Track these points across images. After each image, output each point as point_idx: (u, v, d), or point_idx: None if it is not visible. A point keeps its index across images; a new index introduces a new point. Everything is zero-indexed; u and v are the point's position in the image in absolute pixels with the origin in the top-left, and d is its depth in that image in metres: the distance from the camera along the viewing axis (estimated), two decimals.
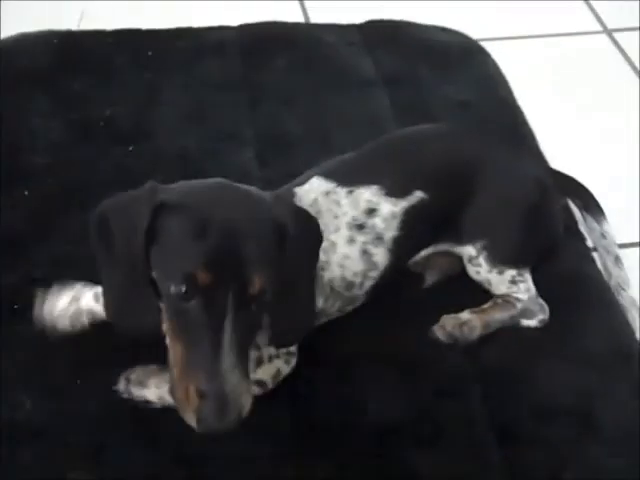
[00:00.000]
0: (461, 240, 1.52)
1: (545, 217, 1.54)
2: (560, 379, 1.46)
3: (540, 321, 1.53)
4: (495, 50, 2.16)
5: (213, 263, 1.12)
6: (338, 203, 1.43)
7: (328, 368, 1.45)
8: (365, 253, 1.44)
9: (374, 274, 1.46)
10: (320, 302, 1.40)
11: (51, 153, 1.77)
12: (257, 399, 1.25)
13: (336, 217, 1.42)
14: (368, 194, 1.44)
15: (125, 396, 1.36)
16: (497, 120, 1.93)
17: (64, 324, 1.42)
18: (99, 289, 1.39)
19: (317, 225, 1.28)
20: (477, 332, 1.50)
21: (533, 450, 1.37)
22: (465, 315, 1.51)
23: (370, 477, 1.33)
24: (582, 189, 1.66)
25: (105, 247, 1.21)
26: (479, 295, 1.54)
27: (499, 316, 1.52)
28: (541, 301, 1.54)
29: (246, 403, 1.15)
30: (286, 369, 1.39)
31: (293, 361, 1.40)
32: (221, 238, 1.13)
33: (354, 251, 1.43)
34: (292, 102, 1.96)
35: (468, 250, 1.52)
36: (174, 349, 1.18)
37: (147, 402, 1.35)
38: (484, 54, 2.15)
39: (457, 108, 1.95)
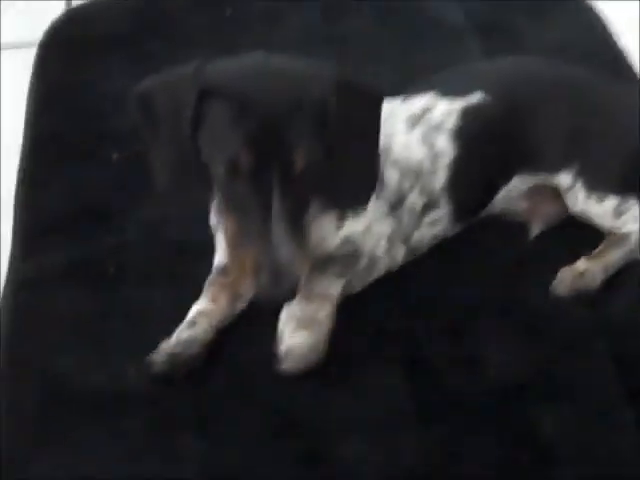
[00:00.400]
0: (555, 168, 1.45)
1: None
2: None
3: None
4: None
5: (254, 145, 1.16)
6: (392, 108, 1.43)
7: (443, 325, 1.37)
8: (426, 140, 1.44)
9: (442, 163, 1.42)
10: (395, 178, 1.40)
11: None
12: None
13: (392, 116, 1.42)
14: (424, 98, 1.46)
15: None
16: (598, 62, 1.81)
17: None
18: None
19: (374, 97, 1.27)
20: (599, 279, 1.41)
21: None
22: (582, 264, 1.42)
23: (491, 438, 1.24)
24: None
25: (151, 125, 1.24)
26: (592, 238, 1.45)
27: (616, 255, 1.43)
28: None
29: (302, 272, 1.19)
30: (378, 226, 1.38)
31: (385, 223, 1.39)
32: (261, 120, 1.15)
33: (413, 138, 1.43)
34: (378, 55, 1.87)
35: (563, 179, 1.45)
36: (227, 226, 1.23)
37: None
38: None
39: (555, 53, 1.85)
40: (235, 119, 1.16)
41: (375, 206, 1.38)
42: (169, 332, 1.32)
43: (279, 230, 1.16)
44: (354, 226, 1.37)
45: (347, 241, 1.38)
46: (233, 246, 1.23)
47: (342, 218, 1.37)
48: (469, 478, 1.20)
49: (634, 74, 1.84)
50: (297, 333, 1.28)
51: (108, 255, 1.46)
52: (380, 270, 1.40)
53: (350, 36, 1.92)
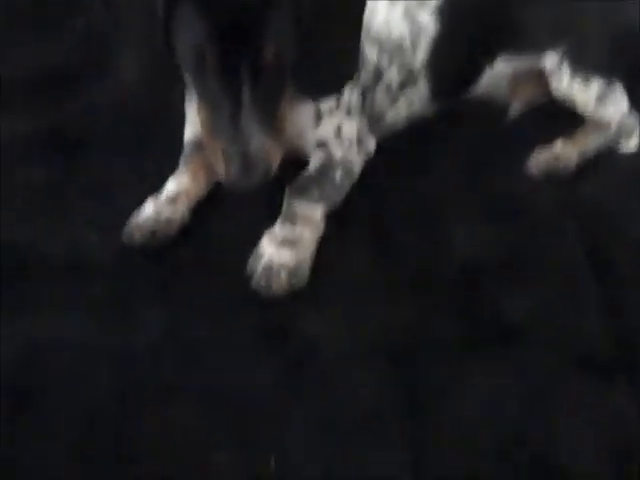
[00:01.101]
0: (541, 48, 1.43)
1: (636, 22, 1.41)
2: None
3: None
4: None
5: (219, 37, 1.13)
6: None
7: (413, 206, 1.35)
8: (408, 14, 1.40)
9: (424, 39, 1.40)
10: (373, 55, 1.37)
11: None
12: (337, 230, 1.24)
13: None
14: None
15: None
16: None
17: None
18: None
19: None
20: (574, 162, 1.40)
21: (635, 286, 1.27)
22: (559, 146, 1.41)
23: (456, 318, 1.23)
24: None
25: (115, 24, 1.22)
26: (570, 123, 1.43)
27: (594, 141, 1.42)
28: (635, 117, 1.43)
29: (274, 159, 1.19)
30: (349, 127, 1.34)
31: (356, 117, 1.36)
32: (228, 13, 1.12)
33: (396, 12, 1.41)
34: None
35: (549, 59, 1.43)
36: (200, 114, 1.21)
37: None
38: None
39: None
40: (201, 14, 1.13)
41: (348, 96, 1.35)
42: (133, 202, 1.30)
43: (249, 121, 1.15)
44: (326, 128, 1.34)
45: (322, 144, 1.35)
46: (206, 132, 1.21)
47: (318, 114, 1.33)
48: (433, 354, 1.19)
49: None
50: (280, 252, 1.25)
51: (72, 122, 1.43)
52: (356, 174, 1.37)
53: None
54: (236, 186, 1.19)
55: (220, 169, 1.19)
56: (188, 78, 1.21)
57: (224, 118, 1.16)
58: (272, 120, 1.18)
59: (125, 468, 1.08)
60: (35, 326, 1.19)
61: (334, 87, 1.27)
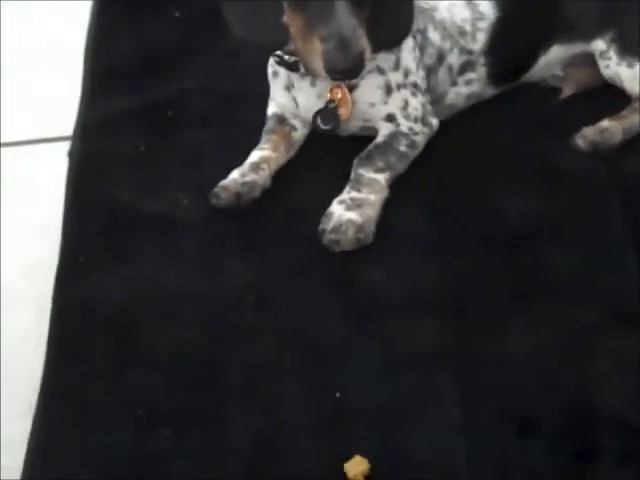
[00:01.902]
0: (591, 35, 1.56)
1: None
2: None
3: None
4: None
5: None
6: None
7: (468, 175, 1.50)
8: (470, 3, 1.55)
9: (483, 25, 1.54)
10: (437, 38, 1.52)
11: None
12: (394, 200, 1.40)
13: None
14: None
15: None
16: None
17: None
18: None
19: None
20: (619, 137, 1.52)
21: None
22: (605, 122, 1.53)
23: (504, 270, 1.38)
24: None
25: None
26: (619, 106, 1.55)
27: (639, 119, 1.53)
28: None
29: (366, 47, 1.33)
30: (415, 103, 1.49)
31: (421, 97, 1.50)
32: None
33: (458, 1, 1.55)
34: None
35: (598, 45, 1.56)
36: (294, 23, 1.35)
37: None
38: None
39: None
40: None
41: (415, 76, 1.49)
42: (219, 170, 1.48)
43: (343, 8, 1.30)
44: (395, 103, 1.48)
45: (390, 117, 1.49)
46: (302, 34, 1.35)
47: (388, 88, 1.48)
48: (482, 303, 1.34)
49: None
50: (347, 212, 1.40)
51: (168, 101, 1.62)
52: (420, 147, 1.51)
53: None
54: (335, 65, 1.32)
55: (318, 63, 1.33)
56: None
57: (320, 6, 1.31)
58: (361, 14, 1.33)
59: (212, 394, 1.25)
60: (137, 273, 1.38)
61: (398, 38, 1.44)
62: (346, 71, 1.34)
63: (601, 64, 1.57)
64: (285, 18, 1.36)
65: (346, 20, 1.30)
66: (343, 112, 1.45)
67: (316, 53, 1.33)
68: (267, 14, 1.36)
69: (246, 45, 1.47)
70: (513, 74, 1.62)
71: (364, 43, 1.32)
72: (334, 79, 1.38)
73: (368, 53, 1.34)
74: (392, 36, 1.43)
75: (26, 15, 1.92)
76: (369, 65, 1.41)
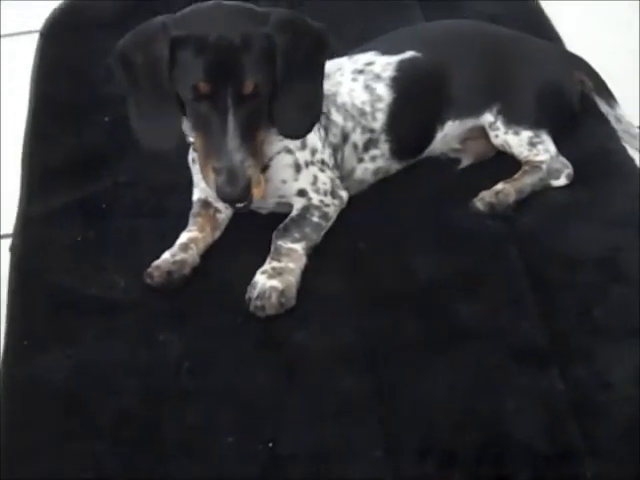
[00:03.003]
0: (480, 110, 1.74)
1: (557, 83, 1.75)
2: (589, 236, 1.63)
3: (567, 176, 1.71)
4: None
5: (209, 75, 1.45)
6: (340, 63, 1.75)
7: (380, 240, 1.64)
8: (368, 87, 1.71)
9: (381, 105, 1.70)
10: (340, 119, 1.68)
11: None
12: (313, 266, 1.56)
13: (339, 69, 1.72)
14: (366, 55, 1.76)
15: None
16: (525, 26, 2.07)
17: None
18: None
19: (317, 31, 1.55)
20: (512, 198, 1.68)
21: (564, 293, 1.54)
22: (499, 185, 1.69)
23: (417, 323, 1.51)
24: (594, 73, 1.82)
25: (130, 78, 1.52)
26: (512, 170, 1.72)
27: (529, 180, 1.70)
28: (562, 159, 1.72)
29: (254, 175, 1.49)
30: (323, 178, 1.63)
31: (329, 172, 1.64)
32: (216, 55, 1.44)
33: (358, 85, 1.72)
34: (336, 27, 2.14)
35: (487, 118, 1.74)
36: (197, 142, 1.52)
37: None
38: None
39: (488, 20, 2.11)
40: (196, 56, 1.45)
41: (320, 154, 1.64)
42: (153, 255, 1.60)
43: (233, 140, 1.46)
44: (304, 179, 1.63)
45: (301, 192, 1.63)
46: (203, 157, 1.51)
47: (297, 166, 1.62)
48: (399, 353, 1.47)
49: (556, 34, 2.11)
50: (270, 280, 1.53)
51: (102, 195, 1.75)
52: (332, 218, 1.65)
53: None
54: (224, 195, 1.48)
55: (212, 188, 1.50)
56: (187, 110, 1.49)
57: (214, 140, 1.47)
58: (252, 142, 1.48)
59: (152, 453, 1.35)
60: (80, 352, 1.49)
61: (304, 128, 1.57)
62: (234, 200, 1.51)
63: (491, 134, 1.75)
64: (190, 131, 1.55)
65: (236, 156, 1.46)
66: (256, 192, 1.55)
67: (210, 180, 1.50)
68: (165, 120, 1.52)
69: (145, 148, 1.59)
70: (414, 149, 1.78)
71: (252, 172, 1.48)
72: (225, 203, 1.58)
73: (256, 178, 1.49)
74: (299, 127, 1.57)
75: None
76: (277, 146, 1.59)
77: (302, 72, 1.52)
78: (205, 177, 1.52)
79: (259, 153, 1.52)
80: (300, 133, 1.59)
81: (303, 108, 1.56)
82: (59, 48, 2.15)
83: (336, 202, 1.65)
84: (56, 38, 2.18)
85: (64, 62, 2.10)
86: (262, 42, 1.47)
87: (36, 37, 2.21)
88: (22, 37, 2.27)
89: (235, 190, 1.47)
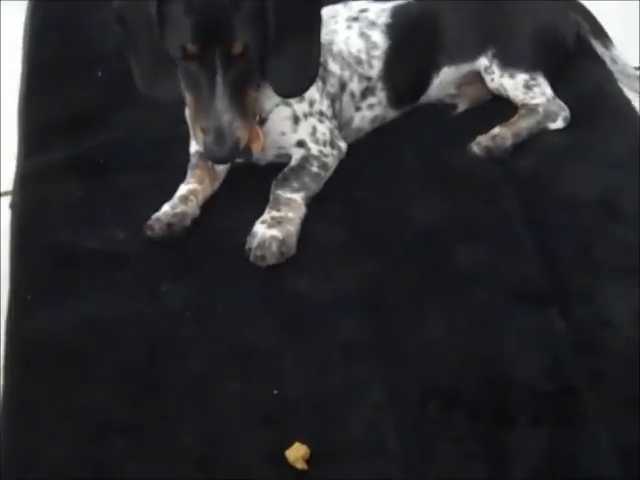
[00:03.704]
0: (475, 55, 1.74)
1: (552, 25, 1.75)
2: (587, 178, 1.64)
3: (564, 119, 1.72)
4: None
5: (197, 35, 1.44)
6: (335, 10, 1.74)
7: (376, 187, 1.65)
8: (363, 34, 1.71)
9: (377, 53, 1.70)
10: (337, 69, 1.67)
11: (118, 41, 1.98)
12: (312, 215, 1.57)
13: (334, 17, 1.71)
14: (360, 2, 1.78)
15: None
16: None
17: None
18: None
19: None
20: (509, 141, 1.68)
21: (563, 234, 1.55)
22: (496, 129, 1.69)
23: (415, 267, 1.52)
24: (589, 14, 1.82)
25: (129, 37, 1.54)
26: (509, 114, 1.73)
27: (526, 123, 1.70)
28: (559, 101, 1.72)
29: (242, 136, 1.49)
30: (322, 128, 1.63)
31: (327, 123, 1.64)
32: (204, 13, 1.43)
33: (353, 33, 1.71)
34: None
35: (482, 62, 1.74)
36: (188, 101, 1.52)
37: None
38: None
39: None
40: (184, 16, 1.44)
41: (319, 104, 1.64)
42: (152, 208, 1.60)
43: (221, 101, 1.45)
44: (303, 130, 1.62)
45: (300, 143, 1.63)
46: (193, 116, 1.51)
47: (295, 118, 1.62)
48: (400, 296, 1.48)
49: None
50: (269, 230, 1.53)
51: (99, 150, 1.74)
52: (331, 168, 1.66)
53: None
54: (211, 155, 1.49)
55: (200, 143, 1.49)
56: (178, 69, 1.48)
57: (203, 100, 1.46)
58: (241, 103, 1.47)
59: (157, 402, 1.36)
60: (82, 304, 1.49)
61: (300, 88, 1.56)
62: (221, 160, 1.53)
63: (487, 78, 1.75)
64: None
65: (224, 116, 1.45)
66: (255, 146, 1.58)
67: (199, 138, 1.50)
68: (165, 72, 1.51)
69: (149, 100, 1.60)
70: (411, 96, 1.78)
71: (240, 133, 1.47)
72: (213, 163, 1.59)
73: (244, 139, 1.49)
74: (295, 87, 1.57)
75: None
76: (275, 99, 1.59)
77: (296, 31, 1.50)
78: (195, 135, 1.53)
79: (249, 113, 1.51)
80: (296, 92, 1.58)
81: (298, 68, 1.55)
82: (51, 3, 2.12)
83: (335, 152, 1.65)
84: None
85: (57, 17, 2.08)
86: (253, 1, 1.45)
87: None
88: None
89: (223, 150, 1.47)
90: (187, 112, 1.63)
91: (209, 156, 1.51)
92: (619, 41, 1.85)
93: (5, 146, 1.85)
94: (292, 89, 1.57)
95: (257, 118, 1.58)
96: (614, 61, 1.82)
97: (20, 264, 1.57)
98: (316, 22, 1.55)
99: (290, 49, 1.51)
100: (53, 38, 2.02)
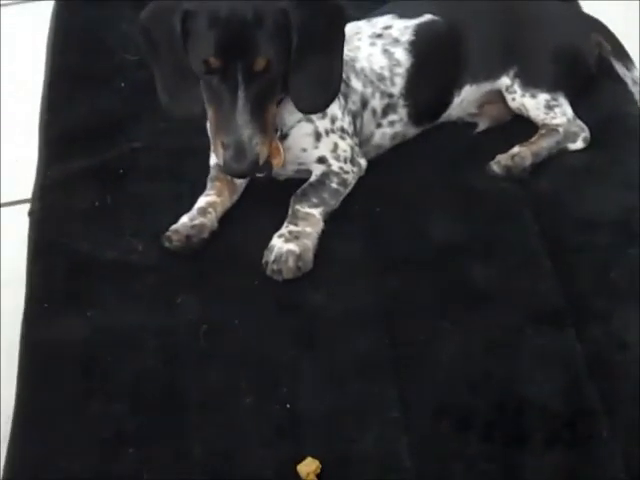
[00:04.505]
0: (497, 74, 1.74)
1: (574, 45, 1.75)
2: (605, 199, 1.62)
3: (584, 139, 1.71)
4: None
5: (221, 49, 1.44)
6: (358, 27, 1.75)
7: (394, 204, 1.65)
8: (386, 51, 1.71)
9: (400, 70, 1.70)
10: (359, 86, 1.67)
11: (140, 52, 1.98)
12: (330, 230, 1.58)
13: (357, 34, 1.72)
14: (384, 19, 1.76)
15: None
16: None
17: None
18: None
19: (333, 6, 1.53)
20: (528, 161, 1.68)
21: (581, 255, 1.55)
22: (516, 149, 1.69)
23: (432, 285, 1.52)
24: (611, 35, 1.81)
25: (153, 50, 1.54)
26: (529, 134, 1.72)
27: (546, 143, 1.70)
28: (579, 122, 1.72)
29: (262, 152, 1.49)
30: (344, 145, 1.63)
31: (349, 140, 1.63)
32: (228, 28, 1.44)
33: (376, 50, 1.71)
34: None
35: (504, 81, 1.74)
36: (209, 115, 1.52)
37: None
38: None
39: None
40: (208, 30, 1.44)
41: (341, 121, 1.64)
42: (170, 219, 1.61)
43: (241, 116, 1.45)
44: (325, 146, 1.62)
45: (321, 159, 1.63)
46: (214, 131, 1.52)
47: (317, 134, 1.62)
48: (415, 315, 1.48)
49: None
50: (287, 244, 1.54)
51: (119, 160, 1.75)
52: (350, 185, 1.66)
53: None
54: (231, 171, 1.50)
55: (220, 158, 1.49)
56: (201, 83, 1.49)
57: (224, 115, 1.46)
58: (262, 118, 1.47)
59: (173, 415, 1.37)
60: (99, 314, 1.50)
61: (322, 104, 1.56)
62: (241, 175, 1.54)
63: (508, 98, 1.75)
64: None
65: (244, 131, 1.45)
66: (276, 162, 1.59)
67: (219, 153, 1.50)
68: (188, 88, 1.51)
69: (171, 113, 1.59)
70: (432, 114, 1.78)
71: (259, 149, 1.47)
72: (232, 177, 1.59)
73: (264, 154, 1.49)
74: (316, 103, 1.56)
75: None
76: (297, 115, 1.59)
77: (319, 48, 1.50)
78: (215, 150, 1.53)
79: (269, 129, 1.51)
80: (318, 109, 1.58)
81: (320, 84, 1.54)
82: (75, 13, 2.14)
83: (355, 169, 1.65)
84: (72, 3, 2.17)
85: (80, 27, 2.10)
86: (276, 17, 1.45)
87: (52, 4, 2.21)
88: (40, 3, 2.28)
89: (242, 166, 1.47)
90: (208, 126, 1.65)
91: (228, 171, 1.51)
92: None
93: (24, 153, 1.86)
94: (314, 105, 1.57)
95: (278, 133, 1.59)
96: (635, 82, 1.82)
97: (37, 272, 1.58)
98: (339, 38, 1.55)
99: (312, 65, 1.51)
100: (77, 47, 2.03)
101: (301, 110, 1.57)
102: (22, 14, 2.27)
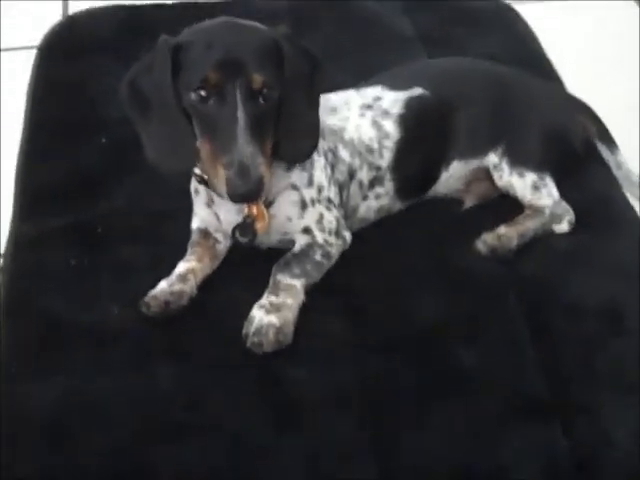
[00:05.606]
0: (485, 151, 1.73)
1: (562, 125, 1.75)
2: (590, 285, 1.62)
3: (569, 222, 1.71)
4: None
5: (220, 65, 1.43)
6: (348, 95, 1.74)
7: (378, 280, 1.62)
8: (375, 123, 1.69)
9: (388, 143, 1.68)
10: (347, 156, 1.66)
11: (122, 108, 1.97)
12: (311, 304, 1.54)
13: (347, 103, 1.70)
14: (374, 90, 1.74)
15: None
16: (526, 65, 2.03)
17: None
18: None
19: (315, 57, 1.54)
20: (514, 242, 1.67)
21: (565, 342, 1.53)
22: (502, 229, 1.68)
23: (419, 369, 1.48)
24: (595, 117, 1.83)
25: (139, 106, 1.50)
26: (515, 213, 1.71)
27: (531, 224, 1.69)
28: (565, 204, 1.71)
29: (265, 174, 1.44)
30: (329, 217, 1.60)
31: (335, 211, 1.61)
32: (226, 48, 1.43)
33: (365, 121, 1.70)
34: (338, 60, 2.12)
35: (491, 159, 1.73)
36: (203, 150, 1.47)
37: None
38: (514, 13, 2.32)
39: (489, 59, 2.09)
40: (204, 51, 1.44)
41: (327, 191, 1.61)
42: (148, 283, 1.56)
43: (243, 133, 1.42)
44: (310, 216, 1.59)
45: (306, 229, 1.60)
46: (211, 160, 1.46)
47: (303, 204, 1.59)
48: (398, 399, 1.44)
49: (556, 74, 2.12)
50: (267, 316, 1.50)
51: (97, 219, 1.71)
52: (334, 258, 1.63)
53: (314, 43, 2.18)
54: (235, 191, 1.42)
55: (222, 187, 1.44)
56: (193, 117, 1.46)
57: (224, 137, 1.42)
58: (261, 141, 1.44)
59: None
60: (70, 381, 1.44)
61: (304, 153, 1.55)
62: (246, 196, 1.45)
63: (495, 176, 1.74)
64: (198, 143, 1.48)
65: (246, 149, 1.41)
66: (260, 226, 1.56)
67: (220, 178, 1.44)
68: (180, 140, 1.48)
69: (157, 169, 1.53)
70: (419, 188, 1.76)
71: (263, 170, 1.43)
72: (235, 202, 1.48)
73: (267, 178, 1.45)
74: (302, 150, 1.54)
75: None
76: (284, 182, 1.56)
77: (303, 91, 1.50)
78: (214, 178, 1.47)
79: (269, 155, 1.47)
80: (300, 157, 1.56)
81: (303, 132, 1.53)
82: (56, 65, 2.11)
83: (339, 242, 1.62)
84: (54, 55, 2.14)
85: (61, 80, 2.06)
86: (270, 44, 1.46)
87: (34, 53, 2.17)
88: (20, 52, 2.24)
89: (247, 184, 1.42)
90: (193, 185, 1.62)
91: (232, 192, 1.43)
92: (624, 145, 1.86)
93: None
94: (299, 152, 1.55)
95: (264, 199, 1.56)
96: (619, 166, 1.83)
97: (7, 331, 1.52)
98: (319, 89, 1.55)
99: (297, 112, 1.50)
100: (57, 100, 1.99)
101: (285, 158, 1.54)
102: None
